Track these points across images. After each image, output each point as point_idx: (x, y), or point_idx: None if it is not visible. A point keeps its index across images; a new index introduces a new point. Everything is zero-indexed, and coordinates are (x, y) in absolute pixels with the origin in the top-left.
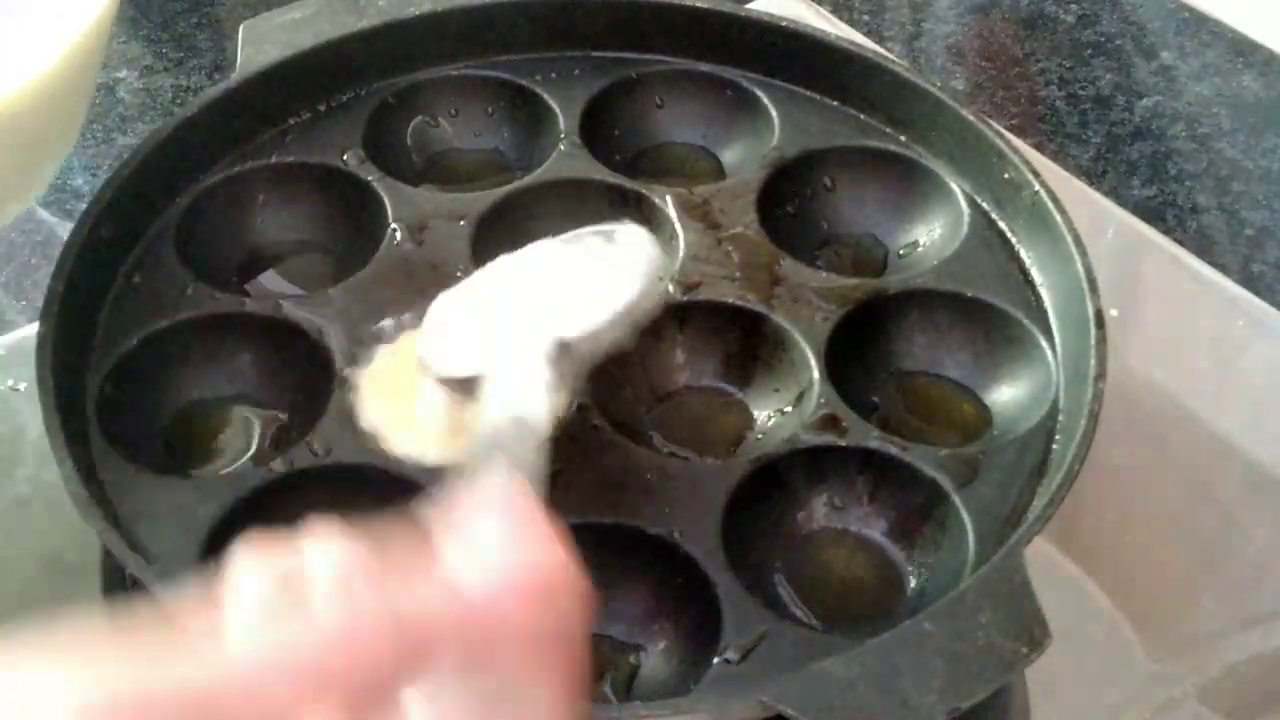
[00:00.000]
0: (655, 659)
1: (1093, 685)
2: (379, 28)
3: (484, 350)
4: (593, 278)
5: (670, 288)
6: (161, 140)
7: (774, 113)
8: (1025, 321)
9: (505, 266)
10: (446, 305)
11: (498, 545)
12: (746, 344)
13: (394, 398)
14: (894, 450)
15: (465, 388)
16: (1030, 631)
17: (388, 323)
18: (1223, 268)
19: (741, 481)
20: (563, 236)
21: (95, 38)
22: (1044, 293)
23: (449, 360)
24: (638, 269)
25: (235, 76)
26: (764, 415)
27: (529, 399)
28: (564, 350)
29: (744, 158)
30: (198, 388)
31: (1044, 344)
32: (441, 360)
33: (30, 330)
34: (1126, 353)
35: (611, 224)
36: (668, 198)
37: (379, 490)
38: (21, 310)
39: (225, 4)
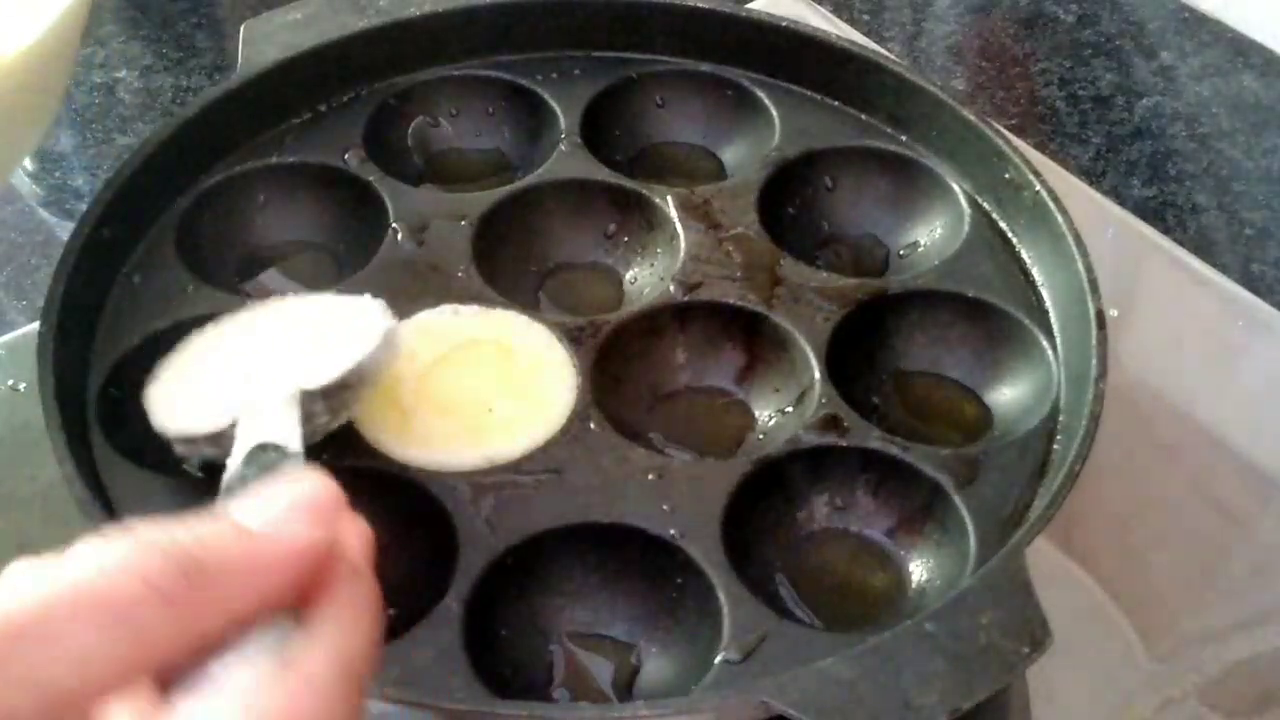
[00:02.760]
0: (655, 659)
1: (1093, 685)
2: (379, 28)
3: (228, 401)
4: (328, 337)
5: (672, 288)
6: (161, 140)
7: (775, 113)
8: (1026, 322)
9: (239, 323)
10: (176, 364)
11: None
12: (747, 344)
13: (392, 397)
14: (895, 450)
15: (214, 442)
16: (1031, 632)
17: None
18: (1223, 268)
19: (742, 481)
20: (299, 298)
21: (75, 13)
22: (1045, 293)
23: (191, 417)
24: (371, 332)
25: (235, 76)
26: (765, 415)
27: (282, 431)
28: (308, 396)
29: (745, 158)
30: None
31: (1045, 344)
32: (183, 418)
33: (30, 330)
34: (1126, 353)
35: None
36: (668, 198)
37: (379, 491)
38: (21, 310)
39: (225, 4)
